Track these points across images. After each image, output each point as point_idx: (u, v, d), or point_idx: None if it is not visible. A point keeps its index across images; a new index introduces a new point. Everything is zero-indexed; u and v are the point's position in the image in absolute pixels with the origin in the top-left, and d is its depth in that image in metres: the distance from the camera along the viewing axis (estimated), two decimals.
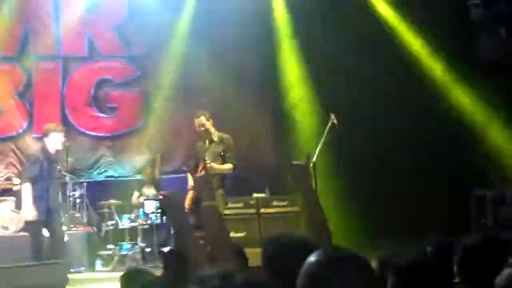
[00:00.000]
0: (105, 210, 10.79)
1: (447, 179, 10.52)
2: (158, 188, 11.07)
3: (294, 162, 3.45)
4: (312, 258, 1.98)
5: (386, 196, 10.58)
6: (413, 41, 11.04)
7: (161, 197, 10.29)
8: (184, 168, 8.90)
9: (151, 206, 10.34)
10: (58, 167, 9.23)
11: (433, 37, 10.84)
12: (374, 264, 2.33)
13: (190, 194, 8.62)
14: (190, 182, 8.65)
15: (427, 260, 2.70)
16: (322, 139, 8.26)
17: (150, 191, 10.98)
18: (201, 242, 5.51)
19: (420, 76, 10.82)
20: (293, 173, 3.44)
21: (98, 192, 11.32)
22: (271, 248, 2.72)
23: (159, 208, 9.96)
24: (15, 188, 10.69)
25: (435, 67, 10.98)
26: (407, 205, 10.44)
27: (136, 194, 11.03)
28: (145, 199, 10.50)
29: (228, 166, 8.46)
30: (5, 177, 11.15)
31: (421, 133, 10.70)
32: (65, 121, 11.98)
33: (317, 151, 8.12)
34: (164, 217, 9.75)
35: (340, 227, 9.47)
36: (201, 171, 8.42)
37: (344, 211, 10.07)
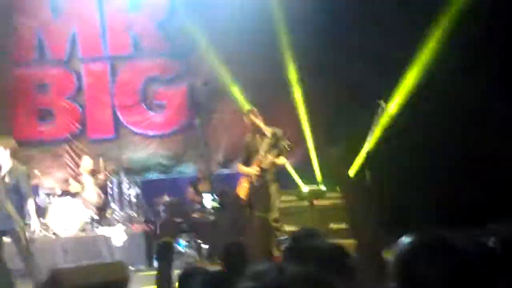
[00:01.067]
0: (161, 207, 10.96)
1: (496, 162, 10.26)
2: (212, 184, 11.16)
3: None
4: (403, 244, 2.01)
5: (443, 186, 10.38)
6: None
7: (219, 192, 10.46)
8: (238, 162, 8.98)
9: (209, 201, 10.44)
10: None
11: None
12: None
13: (243, 187, 8.74)
14: (244, 172, 8.75)
15: None
16: (373, 128, 8.25)
17: (205, 187, 11.07)
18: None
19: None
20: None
21: (152, 190, 11.46)
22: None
23: (217, 203, 10.07)
24: (72, 190, 10.95)
25: None
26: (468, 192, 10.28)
27: (191, 190, 11.15)
28: (202, 192, 10.56)
29: (282, 160, 8.60)
30: (63, 178, 11.41)
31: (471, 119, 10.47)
32: (116, 121, 12.26)
33: (369, 139, 8.10)
34: (222, 212, 9.85)
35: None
36: (256, 165, 8.54)
37: (400, 202, 9.96)
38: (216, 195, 10.48)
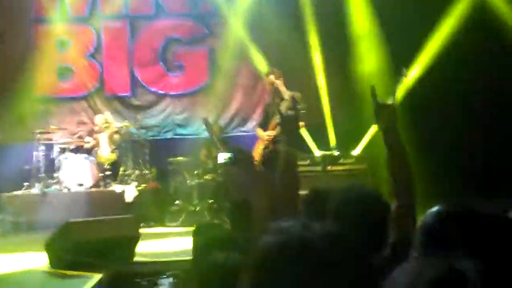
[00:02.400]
0: (174, 167, 10.97)
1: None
2: (226, 145, 11.09)
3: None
4: (430, 212, 1.99)
5: (463, 153, 10.32)
6: None
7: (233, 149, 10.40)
8: (254, 124, 8.96)
9: (223, 157, 10.35)
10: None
11: None
12: None
13: (259, 150, 8.71)
14: (261, 135, 8.71)
15: None
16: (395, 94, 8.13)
17: (218, 148, 11.05)
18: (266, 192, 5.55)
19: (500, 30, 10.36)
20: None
21: (166, 149, 11.53)
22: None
23: (230, 159, 10.01)
24: (86, 146, 10.98)
25: None
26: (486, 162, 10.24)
27: (204, 151, 11.07)
28: (219, 151, 10.53)
29: (300, 123, 8.53)
30: (77, 135, 11.42)
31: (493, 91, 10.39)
32: (133, 80, 12.24)
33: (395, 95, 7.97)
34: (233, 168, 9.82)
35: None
36: (273, 129, 8.49)
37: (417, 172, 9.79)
38: (231, 152, 10.41)
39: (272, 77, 8.64)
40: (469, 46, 10.25)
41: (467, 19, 10.40)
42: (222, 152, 10.34)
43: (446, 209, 2.00)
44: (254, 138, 9.24)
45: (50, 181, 10.50)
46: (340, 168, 9.96)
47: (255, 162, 8.71)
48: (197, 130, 12.09)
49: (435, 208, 2.01)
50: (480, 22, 10.29)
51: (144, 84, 12.27)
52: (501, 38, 10.23)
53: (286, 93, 8.57)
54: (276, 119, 8.47)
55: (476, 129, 10.36)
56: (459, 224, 1.93)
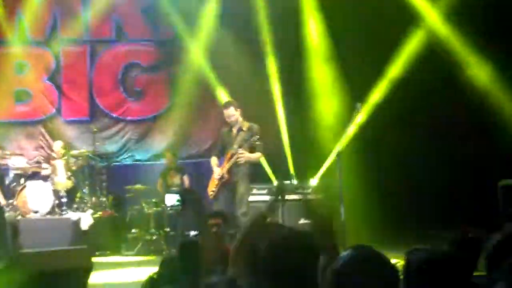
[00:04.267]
0: (131, 194, 10.91)
1: (474, 169, 10.35)
2: (182, 174, 11.14)
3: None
4: (340, 258, 2.16)
5: (411, 187, 10.48)
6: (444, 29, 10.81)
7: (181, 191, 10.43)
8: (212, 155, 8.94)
9: (171, 199, 10.41)
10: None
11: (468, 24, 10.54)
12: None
13: (214, 180, 8.67)
14: (215, 166, 8.68)
15: (444, 256, 2.68)
16: (348, 130, 8.23)
17: (173, 178, 11.05)
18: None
19: (447, 66, 10.55)
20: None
21: (124, 176, 11.52)
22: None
23: (179, 202, 10.08)
24: (43, 172, 10.82)
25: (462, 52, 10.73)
26: (433, 196, 10.35)
27: (160, 180, 11.10)
28: (167, 192, 10.54)
29: (257, 154, 8.53)
30: (34, 160, 11.26)
31: (447, 123, 10.53)
32: (92, 105, 12.13)
33: (343, 140, 8.08)
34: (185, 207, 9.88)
35: (365, 220, 9.50)
36: (229, 159, 8.48)
37: (368, 204, 9.98)
38: (180, 192, 10.46)
39: (231, 109, 8.63)
40: (421, 82, 10.46)
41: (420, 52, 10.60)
42: (172, 192, 10.35)
43: (354, 254, 2.16)
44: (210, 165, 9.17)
45: (5, 207, 10.29)
46: (298, 197, 9.99)
47: (210, 195, 8.73)
48: (156, 157, 12.07)
49: (345, 253, 2.17)
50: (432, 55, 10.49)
51: (103, 109, 12.18)
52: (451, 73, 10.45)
53: (245, 124, 8.58)
54: (233, 150, 8.47)
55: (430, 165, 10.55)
56: (362, 268, 2.11)
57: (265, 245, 2.59)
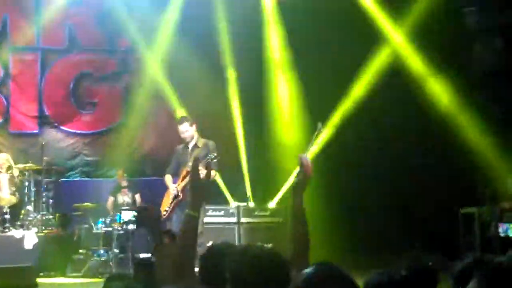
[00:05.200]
0: (79, 212, 10.52)
1: (436, 195, 10.30)
2: (134, 192, 10.84)
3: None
4: (302, 275, 2.22)
5: (372, 211, 10.39)
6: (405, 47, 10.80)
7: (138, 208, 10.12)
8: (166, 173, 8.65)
9: (127, 215, 10.03)
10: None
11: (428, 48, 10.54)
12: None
13: (168, 199, 8.36)
14: (169, 184, 8.36)
15: (401, 280, 2.86)
16: (309, 148, 8.05)
17: (125, 196, 10.72)
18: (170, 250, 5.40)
19: (412, 87, 10.52)
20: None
21: (73, 193, 11.11)
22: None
23: (135, 218, 9.72)
24: None
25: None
26: (393, 221, 10.26)
27: (111, 199, 10.79)
28: (121, 209, 10.21)
29: (212, 173, 8.19)
30: None
31: (410, 148, 10.49)
32: (42, 117, 11.71)
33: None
34: (139, 227, 9.55)
35: (325, 242, 9.28)
36: (183, 177, 8.14)
37: (329, 225, 9.77)
38: (137, 209, 10.13)
39: (185, 124, 8.29)
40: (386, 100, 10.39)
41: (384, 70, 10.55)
42: (126, 209, 10.03)
43: (316, 270, 2.22)
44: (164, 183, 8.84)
45: None
46: (255, 220, 9.78)
47: (164, 214, 8.41)
48: (107, 173, 11.72)
49: (307, 270, 2.21)
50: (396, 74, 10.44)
51: (53, 121, 11.80)
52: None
53: (200, 141, 8.27)
54: (187, 168, 8.11)
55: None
56: (324, 285, 2.17)
57: (232, 265, 2.59)
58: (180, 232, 3.45)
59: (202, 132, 8.45)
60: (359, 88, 10.66)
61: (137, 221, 9.71)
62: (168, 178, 8.48)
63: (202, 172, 7.96)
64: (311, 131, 8.59)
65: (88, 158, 11.89)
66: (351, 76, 10.64)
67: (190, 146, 8.27)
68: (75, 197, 10.77)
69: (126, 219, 9.90)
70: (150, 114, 11.74)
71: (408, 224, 10.23)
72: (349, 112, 10.63)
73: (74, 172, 11.80)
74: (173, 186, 8.28)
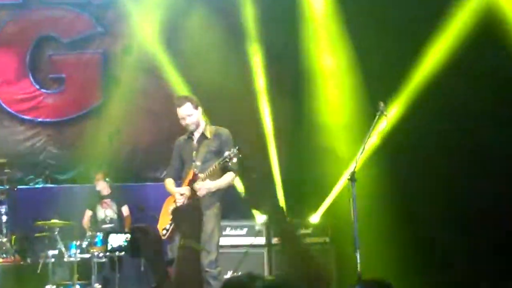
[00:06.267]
0: (45, 233, 10.52)
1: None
2: (120, 204, 11.01)
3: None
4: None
5: (438, 222, 10.46)
6: None
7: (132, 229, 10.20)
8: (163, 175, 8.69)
9: (116, 241, 10.07)
10: None
11: None
12: None
13: (168, 213, 8.32)
14: (171, 192, 8.33)
15: None
16: (366, 140, 8.05)
17: (107, 209, 10.77)
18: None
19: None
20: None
21: (34, 205, 11.20)
22: None
23: (129, 245, 9.83)
24: None
25: None
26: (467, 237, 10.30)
27: (88, 213, 10.81)
28: (103, 227, 10.30)
29: (228, 177, 8.12)
30: None
31: (499, 142, 10.51)
32: None
33: (359, 156, 7.91)
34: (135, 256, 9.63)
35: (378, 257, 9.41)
36: (190, 182, 8.11)
37: (385, 236, 10.07)
38: (131, 231, 10.21)
39: (186, 106, 8.19)
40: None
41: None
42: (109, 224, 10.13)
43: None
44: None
45: None
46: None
47: (161, 238, 8.40)
48: (81, 177, 11.83)
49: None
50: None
51: (3, 105, 11.97)
52: None
53: (208, 129, 8.18)
54: (194, 166, 8.07)
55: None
56: None
57: None
58: (176, 273, 3.68)
59: (212, 119, 8.32)
60: (434, 58, 10.58)
61: (132, 248, 9.76)
62: (169, 183, 8.18)
63: (208, 184, 8.02)
64: (368, 115, 8.63)
65: (54, 157, 12.07)
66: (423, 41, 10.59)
67: (196, 136, 8.02)
68: (38, 211, 10.81)
69: (115, 246, 9.96)
70: (140, 94, 11.84)
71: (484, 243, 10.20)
72: (419, 92, 10.60)
73: (35, 177, 11.93)
74: (181, 190, 8.21)
